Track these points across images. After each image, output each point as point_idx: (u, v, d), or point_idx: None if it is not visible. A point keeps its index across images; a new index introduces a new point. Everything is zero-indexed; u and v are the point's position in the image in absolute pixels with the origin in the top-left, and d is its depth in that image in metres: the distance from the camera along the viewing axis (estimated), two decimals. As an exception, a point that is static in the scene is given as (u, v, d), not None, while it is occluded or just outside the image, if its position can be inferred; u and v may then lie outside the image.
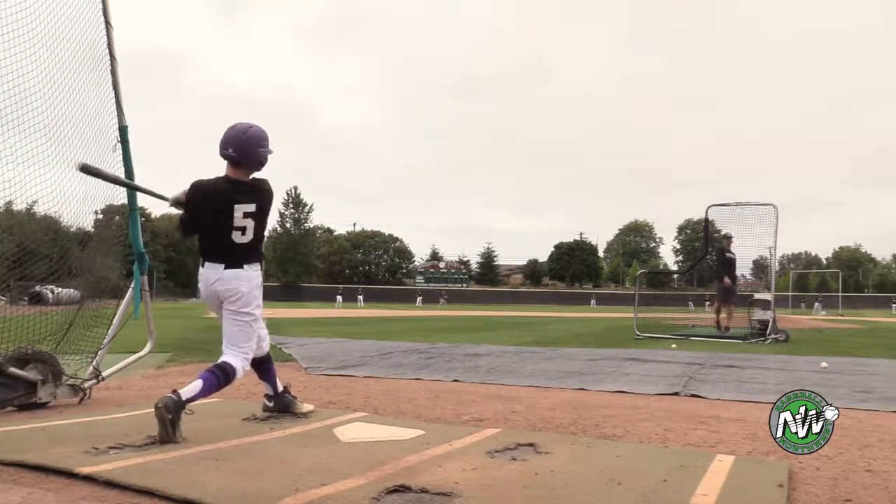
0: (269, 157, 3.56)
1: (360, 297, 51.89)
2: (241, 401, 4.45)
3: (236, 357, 3.45)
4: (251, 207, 3.44)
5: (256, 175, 3.56)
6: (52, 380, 4.11)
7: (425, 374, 6.19)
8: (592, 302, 67.23)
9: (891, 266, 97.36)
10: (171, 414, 3.07)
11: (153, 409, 3.10)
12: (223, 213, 3.40)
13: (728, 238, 12.57)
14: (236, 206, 3.40)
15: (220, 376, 3.35)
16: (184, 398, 3.15)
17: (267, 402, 3.83)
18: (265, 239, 3.65)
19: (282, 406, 3.80)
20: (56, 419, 3.68)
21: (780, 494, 2.36)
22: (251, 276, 3.49)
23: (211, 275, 3.46)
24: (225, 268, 3.43)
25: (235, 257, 3.46)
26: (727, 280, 12.37)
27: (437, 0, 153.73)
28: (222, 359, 3.45)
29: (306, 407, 3.88)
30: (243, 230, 3.44)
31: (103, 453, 2.84)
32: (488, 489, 2.37)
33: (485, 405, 4.43)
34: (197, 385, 3.24)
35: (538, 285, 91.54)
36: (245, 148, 3.43)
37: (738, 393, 5.08)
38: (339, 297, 50.06)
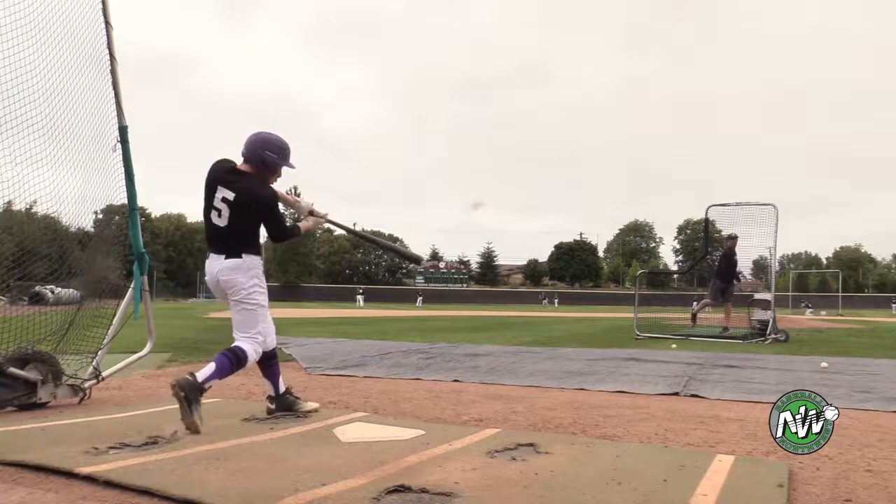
0: (282, 167, 3.74)
1: (360, 297, 51.77)
2: (241, 401, 4.45)
3: (247, 342, 3.58)
4: (229, 194, 3.56)
5: (275, 184, 3.76)
6: (52, 380, 4.11)
7: (425, 374, 6.19)
8: (545, 301, 65.41)
9: (891, 266, 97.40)
10: (184, 392, 3.20)
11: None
12: (206, 190, 3.62)
13: (733, 238, 12.57)
14: (218, 188, 3.58)
15: (233, 359, 3.48)
16: (199, 379, 3.29)
17: (269, 404, 3.83)
18: (259, 239, 3.73)
19: (284, 406, 3.81)
20: (56, 419, 3.68)
21: (780, 494, 2.36)
22: (250, 266, 3.59)
23: (214, 266, 3.61)
24: (226, 258, 3.57)
25: (227, 244, 3.57)
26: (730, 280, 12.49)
27: (437, 1, 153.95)
28: (234, 344, 3.58)
29: (310, 405, 3.89)
30: (219, 213, 3.56)
31: (103, 453, 2.84)
32: (488, 489, 2.37)
33: (485, 405, 4.43)
34: (210, 367, 3.39)
35: (538, 285, 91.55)
36: (251, 146, 3.68)
37: (738, 393, 5.08)
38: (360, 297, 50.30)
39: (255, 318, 3.61)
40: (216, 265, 3.58)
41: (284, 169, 3.77)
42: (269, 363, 3.81)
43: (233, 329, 3.66)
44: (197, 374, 3.31)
